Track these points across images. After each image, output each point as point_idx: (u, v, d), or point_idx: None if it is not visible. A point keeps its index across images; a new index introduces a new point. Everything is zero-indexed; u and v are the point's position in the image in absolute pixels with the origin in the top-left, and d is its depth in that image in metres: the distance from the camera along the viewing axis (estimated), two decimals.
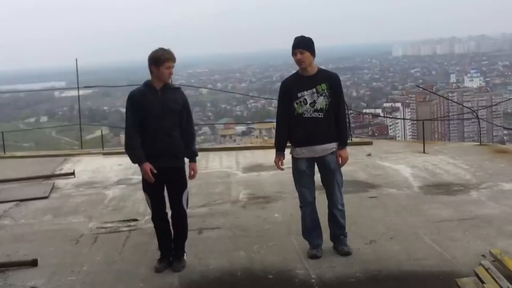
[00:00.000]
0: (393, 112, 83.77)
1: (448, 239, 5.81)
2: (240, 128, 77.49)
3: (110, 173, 10.14)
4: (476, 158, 10.01)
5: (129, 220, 7.08)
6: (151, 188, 5.49)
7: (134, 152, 5.39)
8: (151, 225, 6.48)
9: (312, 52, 5.52)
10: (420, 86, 69.31)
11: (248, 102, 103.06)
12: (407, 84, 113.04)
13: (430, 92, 66.05)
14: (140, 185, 8.80)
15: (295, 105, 5.49)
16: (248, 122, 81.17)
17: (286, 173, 9.32)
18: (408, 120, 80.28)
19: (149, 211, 6.64)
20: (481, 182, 8.19)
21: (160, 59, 5.28)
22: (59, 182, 9.50)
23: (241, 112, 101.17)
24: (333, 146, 5.56)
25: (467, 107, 34.48)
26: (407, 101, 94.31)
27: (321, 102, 5.44)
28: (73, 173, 9.93)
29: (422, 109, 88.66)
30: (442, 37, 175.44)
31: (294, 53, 5.49)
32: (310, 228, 5.69)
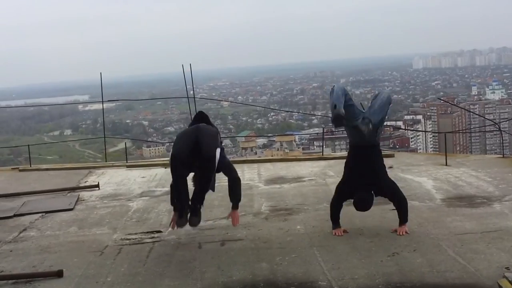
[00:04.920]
0: (414, 124, 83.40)
1: (471, 251, 5.79)
2: (261, 140, 77.65)
3: (134, 185, 10.25)
4: (499, 170, 9.94)
5: (152, 232, 7.15)
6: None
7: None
8: (175, 237, 6.59)
9: None
10: (441, 98, 68.92)
11: (269, 115, 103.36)
12: (428, 96, 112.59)
13: (452, 104, 65.76)
14: (163, 197, 9.02)
15: None
16: (269, 134, 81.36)
17: (308, 186, 9.42)
18: (430, 133, 79.80)
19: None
20: (504, 194, 8.14)
21: None
22: (84, 194, 9.63)
23: (262, 124, 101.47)
24: None
25: (489, 119, 34.21)
26: (428, 114, 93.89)
27: None
28: (97, 185, 10.05)
29: (444, 122, 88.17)
30: (463, 49, 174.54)
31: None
32: None
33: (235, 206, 6.61)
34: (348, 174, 6.62)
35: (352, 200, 6.54)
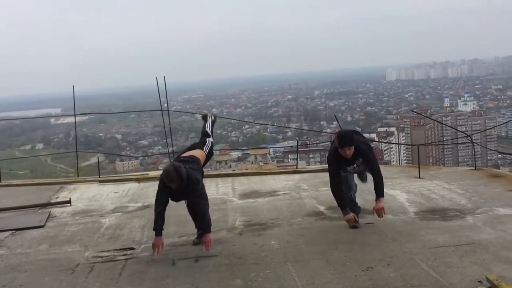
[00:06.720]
0: (388, 136, 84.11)
1: (444, 265, 5.81)
2: (236, 153, 77.63)
3: (106, 200, 10.12)
4: (471, 182, 10.04)
5: (125, 249, 7.04)
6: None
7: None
8: (148, 253, 6.50)
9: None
10: (414, 110, 69.70)
11: (243, 128, 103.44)
12: (401, 108, 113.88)
13: (424, 116, 66.50)
14: (136, 213, 8.92)
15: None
16: (244, 148, 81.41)
17: (282, 200, 9.40)
18: (403, 145, 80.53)
19: (145, 239, 6.64)
20: (476, 207, 8.21)
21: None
22: (55, 210, 9.48)
23: (237, 137, 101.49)
24: None
25: (461, 131, 34.67)
26: (401, 126, 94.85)
27: (360, 167, 7.24)
28: (69, 201, 9.90)
29: (417, 134, 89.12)
30: (436, 61, 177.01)
31: (343, 150, 6.85)
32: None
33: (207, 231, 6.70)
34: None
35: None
